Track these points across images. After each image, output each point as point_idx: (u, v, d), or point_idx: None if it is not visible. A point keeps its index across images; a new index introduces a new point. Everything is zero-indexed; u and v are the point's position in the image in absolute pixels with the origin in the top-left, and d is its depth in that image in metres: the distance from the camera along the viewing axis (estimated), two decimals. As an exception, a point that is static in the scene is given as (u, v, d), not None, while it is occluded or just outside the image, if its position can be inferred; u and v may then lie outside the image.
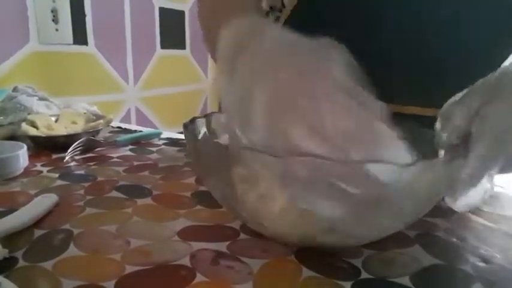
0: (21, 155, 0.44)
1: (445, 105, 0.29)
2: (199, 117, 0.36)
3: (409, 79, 0.44)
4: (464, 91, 0.29)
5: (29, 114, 0.62)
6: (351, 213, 0.24)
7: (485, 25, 0.42)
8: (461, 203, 0.26)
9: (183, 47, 1.35)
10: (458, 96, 0.29)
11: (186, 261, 0.28)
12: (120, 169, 0.48)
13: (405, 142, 0.29)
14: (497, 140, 0.24)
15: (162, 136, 0.67)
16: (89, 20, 0.99)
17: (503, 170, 0.25)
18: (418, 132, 0.32)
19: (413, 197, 0.25)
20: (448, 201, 0.27)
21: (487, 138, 0.24)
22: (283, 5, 0.48)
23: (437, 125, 0.29)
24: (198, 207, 0.38)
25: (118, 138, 0.60)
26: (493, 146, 0.24)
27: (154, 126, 1.26)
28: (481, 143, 0.24)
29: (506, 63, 0.45)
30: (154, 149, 0.59)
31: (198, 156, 0.30)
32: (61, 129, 0.60)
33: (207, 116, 0.37)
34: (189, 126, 0.32)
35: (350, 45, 0.27)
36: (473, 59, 0.42)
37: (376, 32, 0.43)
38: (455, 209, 0.27)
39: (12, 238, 0.30)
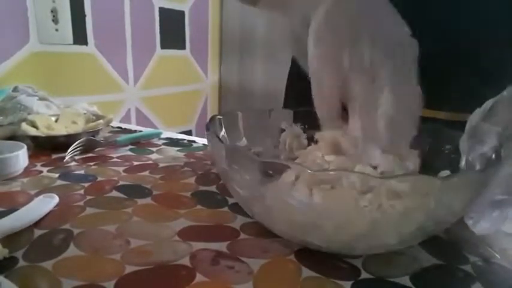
0: (21, 155, 0.44)
1: (471, 123, 0.29)
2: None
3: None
4: (488, 105, 0.29)
5: (29, 114, 0.62)
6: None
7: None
8: (483, 225, 0.26)
9: (183, 47, 1.35)
10: (480, 112, 0.29)
11: (186, 261, 0.28)
12: (120, 169, 0.48)
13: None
14: None
15: (162, 136, 0.67)
16: (89, 20, 0.99)
17: None
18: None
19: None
20: (469, 224, 0.27)
21: None
22: None
23: (464, 140, 0.30)
24: (198, 207, 0.38)
25: (118, 138, 0.60)
26: None
27: (154, 126, 1.26)
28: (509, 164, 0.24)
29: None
30: (154, 149, 0.59)
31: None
32: (61, 129, 0.60)
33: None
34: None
35: None
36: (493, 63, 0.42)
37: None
38: (476, 232, 0.27)
39: (12, 238, 0.30)
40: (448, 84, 0.44)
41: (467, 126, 0.30)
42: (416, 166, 0.33)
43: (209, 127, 0.33)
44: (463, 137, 0.30)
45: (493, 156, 0.27)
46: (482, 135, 0.28)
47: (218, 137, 0.31)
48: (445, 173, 0.33)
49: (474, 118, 0.29)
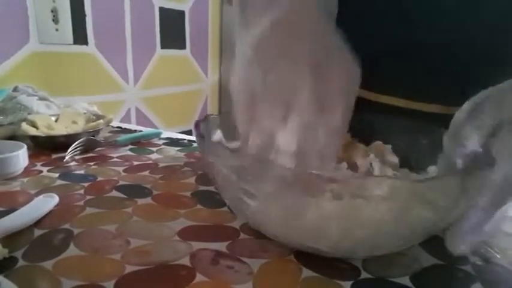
0: (21, 155, 0.44)
1: (454, 124, 0.28)
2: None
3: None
4: (470, 104, 0.28)
5: (29, 114, 0.62)
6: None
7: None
8: (462, 248, 0.25)
9: (183, 47, 1.35)
10: (464, 111, 0.28)
11: (186, 261, 0.28)
12: (120, 169, 0.48)
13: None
14: None
15: (162, 136, 0.67)
16: (89, 20, 0.99)
17: None
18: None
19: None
20: (446, 243, 0.25)
21: (506, 167, 0.23)
22: None
23: (446, 142, 0.29)
24: (198, 207, 0.38)
25: (118, 138, 0.60)
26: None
27: (154, 126, 1.26)
28: (500, 172, 0.23)
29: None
30: (154, 149, 0.59)
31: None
32: (61, 129, 0.60)
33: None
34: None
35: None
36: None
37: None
38: (453, 253, 0.25)
39: (12, 238, 0.30)
40: (441, 77, 0.44)
41: (451, 125, 0.29)
42: (396, 161, 0.33)
43: (197, 129, 0.30)
44: (446, 135, 0.29)
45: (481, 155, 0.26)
46: (463, 138, 0.27)
47: (214, 140, 0.30)
48: (432, 169, 0.33)
49: (459, 116, 0.28)
